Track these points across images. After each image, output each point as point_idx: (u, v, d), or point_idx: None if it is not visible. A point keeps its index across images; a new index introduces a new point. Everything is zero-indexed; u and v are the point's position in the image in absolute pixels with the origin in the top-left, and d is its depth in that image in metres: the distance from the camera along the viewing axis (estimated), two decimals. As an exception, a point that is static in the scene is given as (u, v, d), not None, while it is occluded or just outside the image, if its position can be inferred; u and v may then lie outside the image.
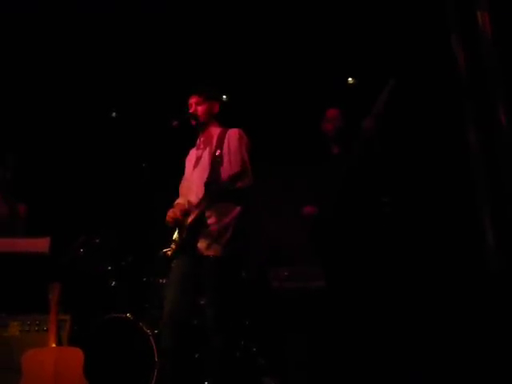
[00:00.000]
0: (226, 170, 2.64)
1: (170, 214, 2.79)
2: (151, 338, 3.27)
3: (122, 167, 4.88)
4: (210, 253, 2.65)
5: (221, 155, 2.65)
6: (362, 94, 4.22)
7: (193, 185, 2.81)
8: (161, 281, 3.68)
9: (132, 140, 4.76)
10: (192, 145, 3.00)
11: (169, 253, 2.81)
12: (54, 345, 2.66)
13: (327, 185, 3.17)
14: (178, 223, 2.76)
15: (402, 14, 3.95)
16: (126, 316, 3.38)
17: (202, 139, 2.90)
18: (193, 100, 2.86)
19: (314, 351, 3.37)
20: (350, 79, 4.76)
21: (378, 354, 3.01)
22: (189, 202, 2.79)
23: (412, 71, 3.83)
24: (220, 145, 2.74)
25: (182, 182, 2.98)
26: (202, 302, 2.87)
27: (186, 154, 3.02)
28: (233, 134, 2.79)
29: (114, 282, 3.69)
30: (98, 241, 3.84)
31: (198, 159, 2.85)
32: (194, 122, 2.85)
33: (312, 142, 3.75)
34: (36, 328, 2.84)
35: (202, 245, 2.66)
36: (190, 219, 2.71)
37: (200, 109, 2.84)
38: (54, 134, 5.02)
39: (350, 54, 4.42)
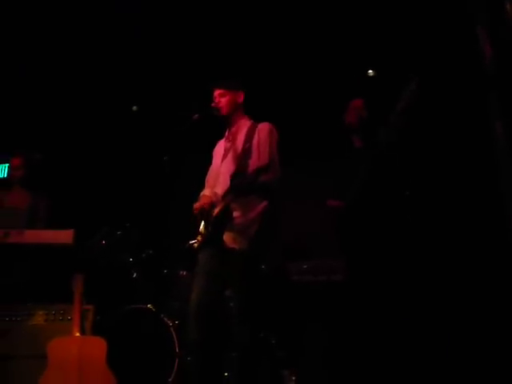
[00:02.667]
0: (254, 163, 2.64)
1: (197, 205, 2.77)
2: (172, 328, 3.32)
3: (144, 160, 4.93)
4: (236, 246, 2.65)
5: (250, 148, 2.66)
6: (382, 87, 4.19)
7: (220, 177, 2.81)
8: (181, 272, 3.73)
9: (153, 133, 4.80)
10: (214, 138, 3.01)
11: (195, 245, 2.81)
12: (77, 334, 2.72)
13: (351, 178, 3.15)
14: (205, 214, 2.75)
15: (426, 3, 3.89)
16: (147, 307, 3.43)
17: (231, 131, 2.90)
18: (216, 92, 2.86)
19: (333, 344, 3.36)
20: (370, 71, 4.70)
21: (397, 348, 3.00)
22: (215, 193, 2.79)
23: (436, 63, 3.78)
24: (249, 138, 2.74)
25: (209, 172, 2.98)
26: (226, 294, 2.88)
27: (207, 147, 3.04)
28: (263, 127, 2.79)
29: (135, 274, 3.74)
30: (119, 233, 3.89)
31: (227, 151, 2.85)
32: (217, 114, 2.84)
33: (333, 135, 3.73)
34: (60, 317, 2.91)
35: (227, 238, 2.66)
36: (216, 211, 2.70)
37: (223, 100, 2.84)
38: (77, 129, 5.09)
39: (370, 46, 4.38)
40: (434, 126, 4.00)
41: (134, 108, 5.30)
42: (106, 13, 4.31)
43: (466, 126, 3.83)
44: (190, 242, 3.20)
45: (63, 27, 4.41)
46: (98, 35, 4.52)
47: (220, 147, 2.95)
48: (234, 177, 2.65)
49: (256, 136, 2.75)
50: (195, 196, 2.94)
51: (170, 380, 3.21)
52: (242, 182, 2.60)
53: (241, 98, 2.88)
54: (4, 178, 4.77)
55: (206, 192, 2.91)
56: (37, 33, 4.44)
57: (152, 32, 4.50)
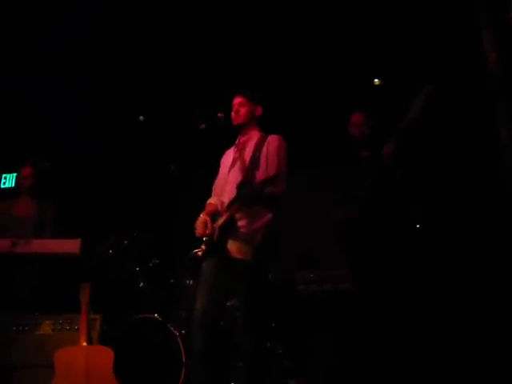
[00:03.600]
0: (262, 174, 2.64)
1: (199, 230, 2.75)
2: (178, 338, 3.31)
3: (150, 170, 4.95)
4: (240, 256, 2.65)
5: (258, 158, 2.67)
6: (389, 95, 4.20)
7: (227, 185, 2.81)
8: (188, 282, 3.72)
9: (160, 143, 4.83)
10: (220, 147, 3.02)
11: (199, 253, 2.81)
12: (84, 343, 2.72)
13: (356, 187, 3.15)
14: (205, 235, 2.74)
15: (431, 11, 3.91)
16: (154, 316, 3.43)
17: (240, 141, 2.90)
18: (237, 100, 2.86)
19: (340, 353, 3.35)
20: (376, 80, 4.71)
21: (404, 357, 2.98)
22: (222, 202, 2.80)
23: (442, 71, 3.78)
24: (258, 148, 2.75)
25: (216, 181, 2.98)
26: (228, 304, 2.89)
27: (214, 156, 3.04)
28: (273, 140, 2.79)
29: (142, 283, 3.75)
30: (126, 242, 3.90)
31: (235, 160, 2.85)
32: (221, 125, 2.86)
33: (340, 144, 3.73)
34: (67, 327, 2.92)
35: (231, 247, 2.67)
36: (221, 221, 2.71)
37: (243, 110, 2.84)
38: (85, 138, 5.13)
39: (376, 54, 4.39)
40: (440, 133, 4.00)
41: (141, 118, 5.33)
42: (114, 21, 4.36)
43: (472, 132, 3.82)
44: (194, 251, 3.21)
45: (70, 36, 4.46)
46: (106, 45, 4.57)
47: (228, 156, 2.95)
48: (241, 186, 2.65)
49: (265, 147, 2.76)
50: (201, 204, 2.95)
51: (176, 389, 3.20)
52: (248, 192, 2.60)
53: (259, 111, 2.88)
54: (12, 187, 4.82)
55: (212, 200, 2.92)
56: (44, 41, 4.48)
57: (160, 42, 4.54)
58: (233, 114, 2.86)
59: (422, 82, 2.96)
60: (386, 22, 4.16)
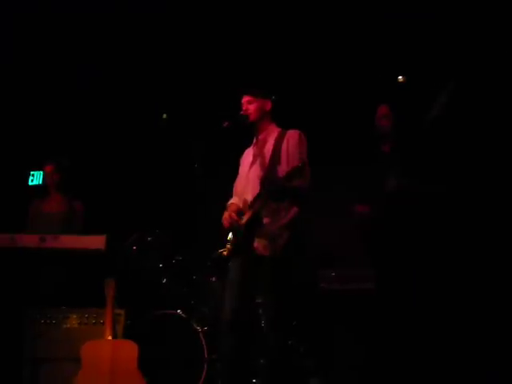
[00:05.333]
0: (284, 170, 2.61)
1: (226, 216, 2.77)
2: (201, 334, 3.34)
3: (174, 167, 5.00)
4: (266, 253, 2.62)
5: (278, 154, 2.65)
6: (412, 92, 4.16)
7: (249, 183, 2.80)
8: (211, 279, 3.75)
9: (183, 141, 4.87)
10: (244, 145, 3.03)
11: (225, 253, 2.80)
12: (110, 337, 2.77)
13: (379, 184, 3.13)
14: (234, 225, 2.73)
15: (458, 7, 3.85)
16: (177, 312, 3.46)
17: (259, 138, 2.89)
18: (244, 99, 2.87)
19: (361, 352, 3.34)
20: (400, 77, 4.65)
21: (427, 357, 2.95)
22: (244, 200, 2.79)
23: (466, 68, 3.73)
24: (278, 144, 2.74)
25: (237, 181, 2.97)
26: (256, 301, 2.88)
27: (238, 154, 3.05)
28: (293, 134, 2.78)
29: (165, 279, 3.79)
30: (150, 239, 3.95)
31: (255, 158, 2.84)
32: (245, 123, 2.85)
33: (361, 140, 3.72)
34: (93, 321, 2.98)
35: (258, 244, 2.64)
36: (245, 218, 2.69)
37: (251, 107, 2.84)
38: (109, 136, 5.21)
39: (400, 51, 4.35)
40: (464, 132, 3.94)
41: (164, 116, 5.38)
42: (136, 19, 4.41)
43: (497, 131, 3.76)
44: (220, 251, 3.22)
45: (92, 37, 4.52)
46: (128, 43, 4.62)
47: (248, 155, 2.94)
48: (264, 182, 2.63)
49: (285, 143, 2.74)
50: (225, 202, 2.96)
51: (198, 385, 3.24)
52: (274, 187, 2.57)
53: (268, 105, 2.87)
54: (39, 184, 4.93)
55: (234, 200, 2.91)
56: (66, 40, 4.55)
57: (182, 40, 4.57)
58: (242, 112, 2.85)
59: (445, 79, 2.93)
60: (411, 19, 4.11)
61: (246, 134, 2.95)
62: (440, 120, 2.87)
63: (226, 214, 2.79)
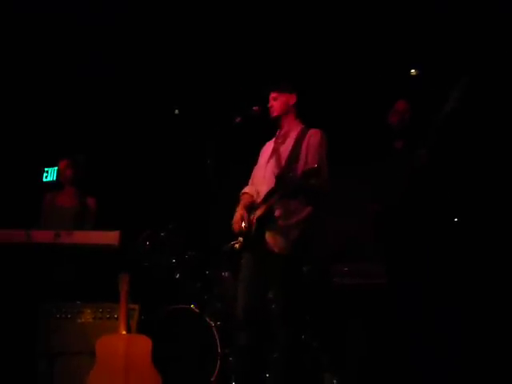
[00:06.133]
0: (301, 167, 2.63)
1: (237, 218, 2.78)
2: (214, 329, 3.36)
3: (187, 163, 5.01)
4: (277, 249, 2.64)
5: (298, 151, 2.67)
6: (425, 87, 4.11)
7: (265, 177, 2.80)
8: (224, 274, 3.76)
9: (196, 136, 4.87)
10: (255, 141, 3.03)
11: (236, 245, 2.82)
12: (124, 332, 2.79)
13: (391, 180, 3.11)
14: (243, 231, 2.74)
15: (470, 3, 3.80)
16: (190, 307, 3.48)
17: (281, 133, 2.90)
18: (271, 96, 2.88)
19: (374, 347, 3.33)
20: (412, 70, 4.60)
21: (437, 352, 2.94)
22: (258, 192, 2.81)
23: (480, 63, 3.68)
24: (299, 141, 2.74)
25: (254, 171, 2.98)
26: (268, 296, 2.88)
27: (251, 149, 3.05)
28: (315, 133, 2.78)
29: (178, 275, 3.81)
30: (162, 235, 3.97)
31: (274, 152, 2.84)
32: (270, 116, 2.86)
33: (374, 137, 3.69)
34: (107, 315, 3.00)
35: (269, 240, 2.66)
36: (258, 213, 2.70)
37: (276, 103, 2.86)
38: (122, 132, 5.24)
39: (412, 45, 4.30)
40: (478, 127, 3.90)
41: (176, 111, 5.39)
42: (149, 17, 4.41)
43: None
44: (231, 243, 3.23)
45: (101, 33, 4.53)
46: (139, 40, 4.62)
47: (268, 147, 2.95)
48: (279, 178, 2.64)
49: (306, 141, 2.75)
50: (236, 198, 2.96)
51: (212, 380, 3.25)
52: (289, 184, 2.58)
53: (293, 99, 2.87)
54: (53, 180, 4.97)
55: (248, 189, 2.92)
56: (75, 37, 4.57)
57: (194, 35, 4.57)
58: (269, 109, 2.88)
59: (459, 73, 2.89)
60: (423, 13, 4.06)
61: (259, 129, 2.95)
62: (454, 114, 2.84)
63: (236, 216, 2.80)
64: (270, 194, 2.69)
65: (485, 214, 3.77)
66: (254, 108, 2.86)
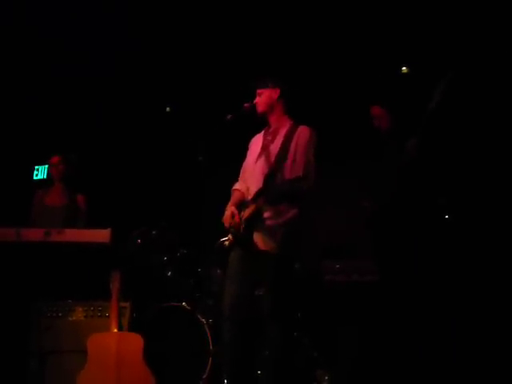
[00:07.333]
0: (289, 168, 2.66)
1: (227, 215, 2.79)
2: (206, 326, 3.36)
3: (178, 160, 5.00)
4: (265, 248, 2.67)
5: (286, 150, 2.69)
6: (416, 84, 4.13)
7: (254, 175, 2.82)
8: (215, 271, 3.77)
9: (187, 134, 4.87)
10: (246, 138, 3.03)
11: (226, 243, 2.84)
12: (115, 330, 2.79)
13: (383, 178, 3.13)
14: (234, 227, 2.76)
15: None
16: (182, 305, 3.48)
17: (270, 130, 2.90)
18: (257, 92, 2.89)
19: (365, 344, 3.35)
20: (403, 68, 4.61)
21: (429, 349, 2.96)
22: (248, 189, 2.83)
23: (466, 58, 3.70)
24: (288, 140, 2.75)
25: (243, 168, 2.98)
26: (255, 294, 2.90)
27: (241, 147, 3.05)
28: (303, 131, 2.78)
29: (170, 272, 3.80)
30: (154, 232, 3.97)
31: (263, 149, 2.85)
32: (255, 113, 2.87)
33: (365, 134, 3.70)
34: (99, 313, 2.99)
35: (257, 239, 2.68)
36: (247, 213, 2.72)
37: (260, 99, 2.87)
38: (113, 130, 5.22)
39: (402, 42, 4.31)
40: (465, 122, 3.92)
41: (168, 109, 5.38)
42: (140, 16, 4.39)
43: (498, 121, 3.74)
44: (221, 240, 3.24)
45: (97, 31, 4.51)
46: (132, 37, 4.61)
47: (257, 144, 2.94)
48: (268, 178, 2.66)
49: (295, 139, 2.75)
50: (228, 194, 2.97)
51: (203, 377, 3.26)
52: (275, 192, 2.63)
53: (276, 94, 2.86)
54: (44, 178, 4.94)
55: (238, 186, 2.94)
56: (65, 36, 4.54)
57: (185, 33, 4.56)
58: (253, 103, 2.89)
59: (446, 69, 2.91)
60: (413, 10, 4.08)
61: (250, 126, 2.95)
62: (441, 110, 2.86)
63: (226, 213, 2.81)
64: (259, 194, 2.71)
65: (476, 211, 3.79)
66: (245, 105, 2.87)
